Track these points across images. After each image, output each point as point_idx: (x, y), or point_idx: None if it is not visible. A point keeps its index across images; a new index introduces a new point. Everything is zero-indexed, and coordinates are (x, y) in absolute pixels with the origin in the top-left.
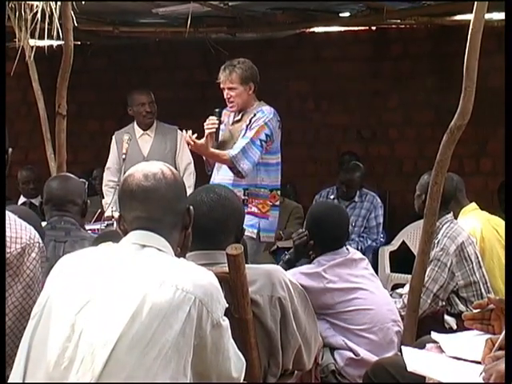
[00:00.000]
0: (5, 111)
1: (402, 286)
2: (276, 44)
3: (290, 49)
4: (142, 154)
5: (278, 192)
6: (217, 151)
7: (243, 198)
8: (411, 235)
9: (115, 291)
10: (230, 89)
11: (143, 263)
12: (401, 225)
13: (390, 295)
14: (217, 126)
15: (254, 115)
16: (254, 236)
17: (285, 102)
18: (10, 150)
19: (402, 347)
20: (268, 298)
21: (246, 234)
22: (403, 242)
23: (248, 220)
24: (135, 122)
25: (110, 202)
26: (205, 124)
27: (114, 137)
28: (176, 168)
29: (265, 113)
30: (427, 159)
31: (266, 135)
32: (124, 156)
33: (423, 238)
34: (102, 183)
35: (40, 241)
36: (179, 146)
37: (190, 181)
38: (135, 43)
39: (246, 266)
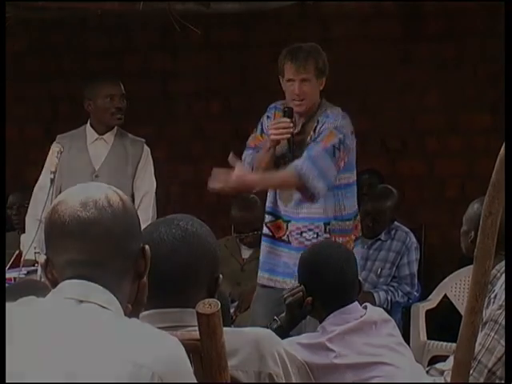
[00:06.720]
0: (5, 114)
1: (444, 358)
2: (267, 19)
3: (286, 25)
4: (91, 167)
5: (358, 217)
6: (278, 174)
7: (325, 235)
8: (456, 287)
9: (39, 366)
10: (303, 80)
11: (79, 326)
12: (442, 272)
13: (427, 372)
14: (291, 131)
15: (318, 123)
16: None
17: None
18: None
19: None
20: (255, 375)
21: None
22: (445, 297)
23: None
24: (88, 124)
25: (32, 239)
26: (271, 129)
27: (53, 145)
28: (132, 195)
29: (330, 118)
30: (479, 180)
31: (340, 141)
32: (52, 176)
33: (473, 292)
34: (23, 213)
35: None
36: (142, 165)
37: (147, 214)
38: (69, 17)
39: (225, 329)
